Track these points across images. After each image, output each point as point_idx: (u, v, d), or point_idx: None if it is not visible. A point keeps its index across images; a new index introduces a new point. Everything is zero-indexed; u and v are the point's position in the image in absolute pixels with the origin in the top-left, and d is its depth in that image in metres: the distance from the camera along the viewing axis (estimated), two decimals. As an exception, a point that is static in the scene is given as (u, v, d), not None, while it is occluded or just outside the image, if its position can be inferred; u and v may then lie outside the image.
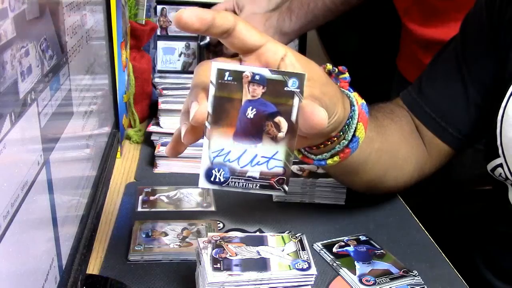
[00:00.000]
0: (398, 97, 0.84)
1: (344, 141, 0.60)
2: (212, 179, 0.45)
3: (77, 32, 0.55)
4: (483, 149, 0.75)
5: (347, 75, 0.65)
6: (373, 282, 0.62)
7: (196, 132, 0.48)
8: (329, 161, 0.62)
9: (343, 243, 0.70)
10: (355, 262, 0.66)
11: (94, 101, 0.66)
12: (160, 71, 1.32)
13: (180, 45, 1.39)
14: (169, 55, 1.38)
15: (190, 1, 1.38)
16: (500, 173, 0.70)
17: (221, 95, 0.44)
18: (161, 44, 1.37)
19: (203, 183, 0.45)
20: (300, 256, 0.59)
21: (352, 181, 0.75)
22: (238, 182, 0.46)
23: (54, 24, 0.46)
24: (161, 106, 0.97)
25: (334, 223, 0.77)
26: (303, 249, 0.60)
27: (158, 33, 1.35)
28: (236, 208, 0.79)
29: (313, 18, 1.22)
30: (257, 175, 0.46)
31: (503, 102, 0.68)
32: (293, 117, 0.45)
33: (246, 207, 0.80)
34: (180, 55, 1.39)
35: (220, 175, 0.46)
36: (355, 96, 0.62)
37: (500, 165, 0.70)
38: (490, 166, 0.72)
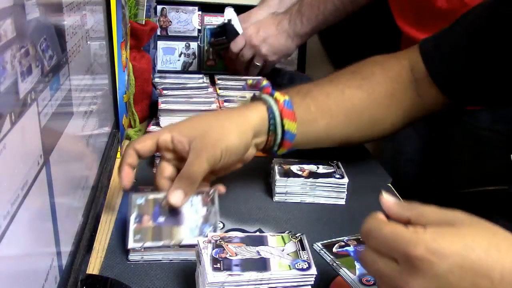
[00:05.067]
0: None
1: (277, 138, 0.75)
2: None
3: (77, 32, 0.55)
4: (483, 151, 0.76)
5: (265, 82, 0.79)
6: (373, 282, 0.62)
7: None
8: (279, 151, 0.77)
9: (343, 243, 0.70)
10: (355, 262, 0.66)
11: (94, 101, 0.66)
12: (160, 71, 1.32)
13: (180, 45, 1.39)
14: (169, 55, 1.38)
15: (190, 1, 1.38)
16: None
17: None
18: (161, 44, 1.37)
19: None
20: (300, 256, 0.59)
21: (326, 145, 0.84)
22: None
23: (54, 24, 0.46)
24: (161, 106, 0.97)
25: (334, 223, 0.77)
26: (303, 249, 0.60)
27: (158, 33, 1.35)
28: (236, 208, 0.79)
29: (323, 19, 1.23)
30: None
31: None
32: None
33: (246, 207, 0.80)
34: (180, 55, 1.39)
35: None
36: (277, 96, 0.75)
37: None
38: None
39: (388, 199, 0.52)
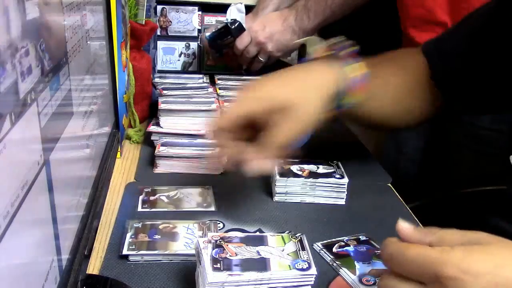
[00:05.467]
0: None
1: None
2: None
3: (77, 32, 0.55)
4: (483, 151, 0.76)
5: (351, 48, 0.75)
6: (373, 282, 0.62)
7: None
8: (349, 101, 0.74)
9: (343, 243, 0.70)
10: (355, 262, 0.66)
11: (94, 101, 0.66)
12: (160, 71, 1.32)
13: (180, 45, 1.39)
14: (169, 55, 1.38)
15: (190, 1, 1.38)
16: None
17: None
18: (161, 44, 1.37)
19: None
20: (300, 256, 0.59)
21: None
22: None
23: (54, 24, 0.46)
24: (161, 106, 0.97)
25: (334, 223, 0.77)
26: (303, 249, 0.60)
27: (158, 33, 1.35)
28: (236, 208, 0.79)
29: (330, 14, 1.22)
30: None
31: None
32: None
33: (246, 207, 0.80)
34: (180, 55, 1.39)
35: None
36: (357, 65, 0.73)
37: None
38: None
39: (405, 226, 0.51)
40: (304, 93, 0.70)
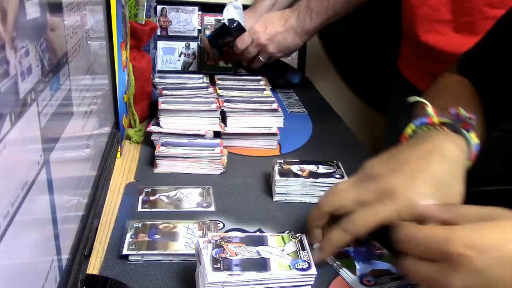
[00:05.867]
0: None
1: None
2: None
3: (77, 32, 0.55)
4: (487, 150, 0.76)
5: (473, 121, 0.69)
6: (373, 282, 0.62)
7: None
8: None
9: (343, 243, 0.70)
10: (355, 262, 0.66)
11: (94, 101, 0.66)
12: (160, 71, 1.32)
13: (180, 45, 1.39)
14: (169, 55, 1.39)
15: (190, 1, 1.39)
16: None
17: None
18: (161, 44, 1.37)
19: None
20: (300, 256, 0.59)
21: None
22: None
23: (54, 24, 0.46)
24: (161, 106, 0.97)
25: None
26: (303, 249, 0.60)
27: (158, 33, 1.35)
28: (236, 208, 0.79)
29: (333, 13, 1.22)
30: None
31: None
32: None
33: (246, 207, 0.80)
34: (180, 55, 1.39)
35: None
36: (472, 136, 0.69)
37: None
38: None
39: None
40: (446, 192, 0.63)
